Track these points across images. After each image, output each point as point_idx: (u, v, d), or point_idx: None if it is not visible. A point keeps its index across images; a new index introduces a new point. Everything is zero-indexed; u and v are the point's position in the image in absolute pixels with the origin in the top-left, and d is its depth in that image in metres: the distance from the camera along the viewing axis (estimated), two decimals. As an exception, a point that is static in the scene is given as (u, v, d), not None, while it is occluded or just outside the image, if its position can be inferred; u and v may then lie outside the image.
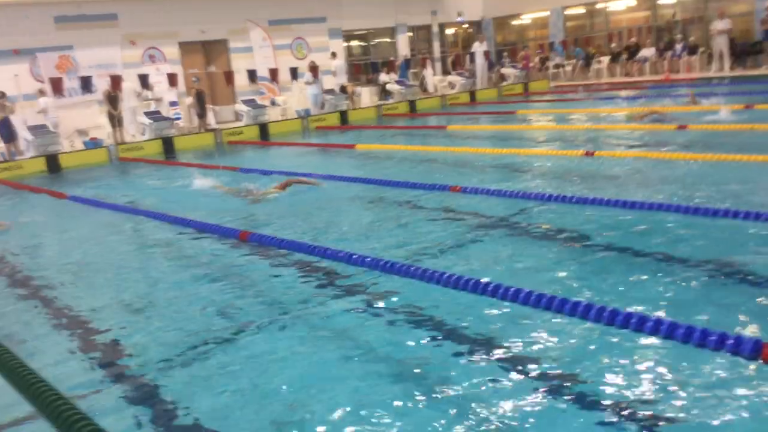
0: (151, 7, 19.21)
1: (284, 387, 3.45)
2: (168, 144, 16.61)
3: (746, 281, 4.19)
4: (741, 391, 2.96)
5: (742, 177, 6.99)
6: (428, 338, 3.83)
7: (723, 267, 4.46)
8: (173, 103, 19.01)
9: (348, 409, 3.13)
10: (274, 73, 20.12)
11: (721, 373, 3.10)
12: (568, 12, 26.07)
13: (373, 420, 3.00)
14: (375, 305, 4.47)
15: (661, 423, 2.80)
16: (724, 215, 5.39)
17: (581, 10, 26.01)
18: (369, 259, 5.09)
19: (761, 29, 19.99)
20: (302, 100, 19.98)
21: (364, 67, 23.77)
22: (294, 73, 20.21)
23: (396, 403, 3.13)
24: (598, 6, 25.25)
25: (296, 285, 5.10)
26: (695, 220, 5.46)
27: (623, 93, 18.61)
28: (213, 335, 4.22)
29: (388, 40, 25.70)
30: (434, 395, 3.19)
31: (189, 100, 18.84)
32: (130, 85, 17.52)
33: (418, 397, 3.18)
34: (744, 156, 7.61)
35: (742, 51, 20.55)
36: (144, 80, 17.93)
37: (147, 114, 17.29)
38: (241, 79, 19.93)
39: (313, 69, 19.68)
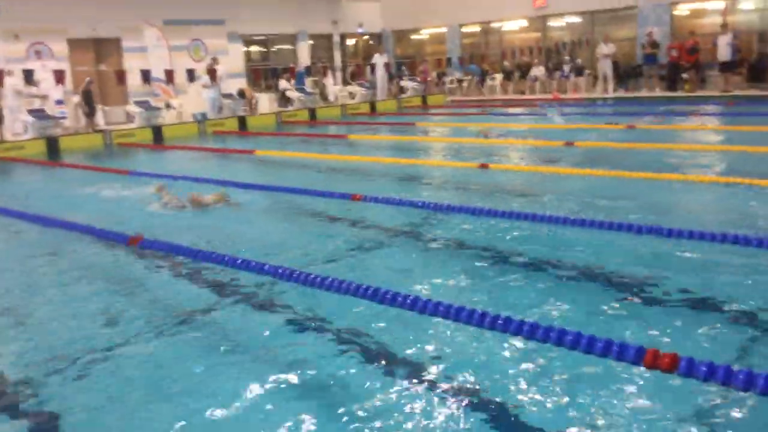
0: (37, 2, 18.12)
1: (175, 400, 3.32)
2: (52, 144, 15.71)
3: (628, 290, 4.43)
4: (627, 396, 3.11)
5: (621, 191, 7.43)
6: (327, 346, 3.80)
7: (603, 276, 4.71)
8: (59, 102, 18.00)
9: (240, 417, 3.05)
10: (169, 75, 19.49)
11: (609, 378, 3.26)
12: (465, 29, 26.89)
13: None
14: (273, 312, 4.39)
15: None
16: (601, 227, 5.71)
17: (477, 28, 26.89)
18: (267, 266, 5.01)
19: (642, 54, 21.39)
20: (199, 103, 19.46)
21: (263, 73, 23.45)
22: (191, 75, 19.67)
23: (295, 414, 3.08)
24: (493, 25, 26.20)
25: (190, 292, 4.94)
26: (579, 232, 5.74)
27: (515, 110, 19.35)
28: (95, 345, 4.00)
29: (289, 47, 25.53)
30: (336, 406, 3.16)
31: (76, 98, 17.92)
32: (12, 80, 16.45)
33: (317, 407, 3.14)
34: (624, 172, 8.11)
35: (625, 73, 21.91)
36: (28, 76, 16.88)
37: (30, 112, 16.28)
38: (134, 80, 19.15)
39: (211, 72, 19.24)
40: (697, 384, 3.04)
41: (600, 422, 2.91)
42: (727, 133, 11.93)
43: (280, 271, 4.89)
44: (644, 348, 3.25)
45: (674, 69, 20.32)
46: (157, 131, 17.16)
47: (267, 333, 4.10)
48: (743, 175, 7.46)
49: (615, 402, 3.06)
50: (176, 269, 5.49)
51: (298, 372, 3.50)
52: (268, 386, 3.37)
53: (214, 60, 19.88)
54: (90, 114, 17.45)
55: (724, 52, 19.03)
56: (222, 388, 3.38)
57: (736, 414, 2.93)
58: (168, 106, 19.37)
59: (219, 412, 3.14)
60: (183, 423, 3.08)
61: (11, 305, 4.95)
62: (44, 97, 17.36)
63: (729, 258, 4.92)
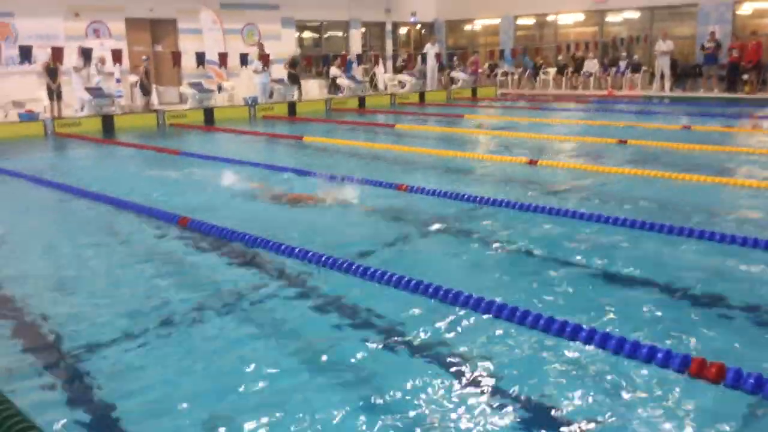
0: (98, -20, 18.56)
1: (220, 379, 3.37)
2: (108, 122, 16.09)
3: (685, 297, 4.31)
4: (668, 404, 3.04)
5: (677, 194, 7.25)
6: (369, 338, 3.81)
7: (656, 282, 4.59)
8: (117, 80, 18.42)
9: (280, 402, 3.09)
10: (223, 58, 19.73)
11: (651, 385, 3.19)
12: (519, 21, 26.50)
13: (308, 417, 2.97)
14: (315, 301, 4.42)
15: None
16: (652, 229, 5.58)
17: (531, 21, 26.47)
18: (311, 254, 5.05)
19: (702, 54, 20.77)
20: (251, 87, 19.68)
21: (314, 60, 23.57)
22: (244, 59, 19.87)
23: (334, 401, 3.10)
24: (548, 18, 25.75)
25: (236, 276, 5.01)
26: (629, 233, 5.62)
27: (569, 105, 19.03)
28: (146, 322, 4.09)
29: (341, 34, 25.58)
30: (374, 396, 3.17)
31: (133, 77, 18.30)
32: (74, 58, 16.90)
33: (355, 397, 3.15)
34: (679, 174, 7.91)
35: (683, 72, 21.32)
36: (87, 54, 17.30)
37: (88, 89, 16.70)
38: (188, 61, 19.46)
39: (263, 57, 19.41)
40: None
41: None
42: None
43: (324, 259, 4.93)
44: (689, 356, 3.17)
45: (734, 69, 19.68)
46: (209, 113, 17.42)
47: (308, 320, 4.14)
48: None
49: (657, 410, 2.99)
50: (223, 251, 5.57)
51: (336, 360, 3.52)
52: (311, 379, 3.40)
53: (261, 45, 20.03)
54: (146, 93, 17.81)
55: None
56: (262, 372, 3.43)
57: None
58: (220, 88, 19.63)
59: (256, 396, 3.19)
60: (223, 404, 3.13)
61: (74, 274, 5.10)
62: (110, 74, 17.74)
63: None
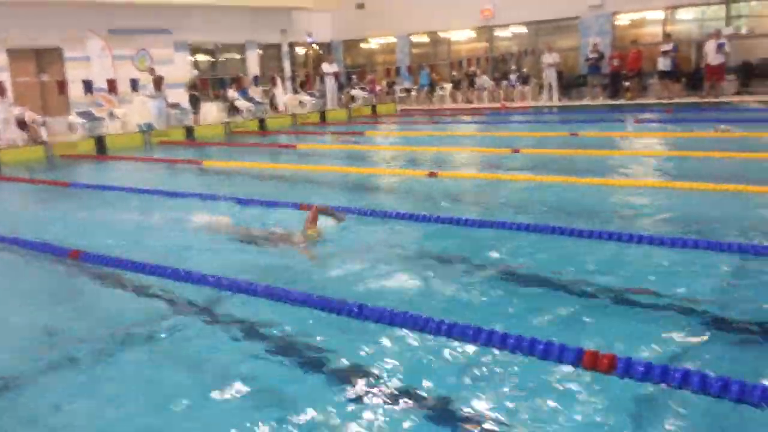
0: (-28, 9, 17.56)
1: (125, 417, 3.24)
2: (-9, 156, 15.19)
3: (574, 292, 4.51)
4: (567, 396, 3.17)
5: (567, 197, 7.60)
6: (281, 359, 3.76)
7: (550, 280, 4.79)
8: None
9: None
10: (112, 84, 19.07)
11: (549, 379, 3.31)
12: (414, 39, 27.12)
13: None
14: (222, 326, 4.33)
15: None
16: (544, 231, 5.82)
17: (425, 38, 27.15)
18: (212, 278, 4.95)
19: (586, 64, 21.93)
20: (144, 113, 19.11)
21: (211, 83, 23.18)
22: (135, 84, 19.28)
23: (250, 424, 3.04)
24: (441, 35, 26.50)
25: (137, 306, 4.83)
26: (524, 236, 5.83)
27: (465, 118, 19.60)
28: (38, 362, 3.88)
29: (238, 56, 25.31)
30: (290, 418, 3.13)
31: (17, 110, 17.38)
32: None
33: (275, 422, 3.10)
34: (568, 178, 8.31)
35: (569, 83, 22.44)
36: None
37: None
38: (76, 90, 18.69)
39: (156, 81, 18.92)
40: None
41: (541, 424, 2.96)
42: (666, 139, 12.31)
43: (225, 282, 4.84)
44: (583, 349, 3.32)
45: (616, 78, 20.90)
46: (100, 142, 16.77)
47: (212, 344, 4.04)
48: (683, 179, 7.70)
49: (556, 404, 3.11)
50: (120, 283, 5.36)
51: (246, 383, 3.46)
52: (216, 398, 3.32)
53: (152, 69, 19.52)
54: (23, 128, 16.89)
55: (664, 62, 19.67)
56: (170, 400, 3.32)
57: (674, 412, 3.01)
58: (112, 115, 18.96)
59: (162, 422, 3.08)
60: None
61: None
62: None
63: (665, 258, 5.08)
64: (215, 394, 3.35)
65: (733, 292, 4.38)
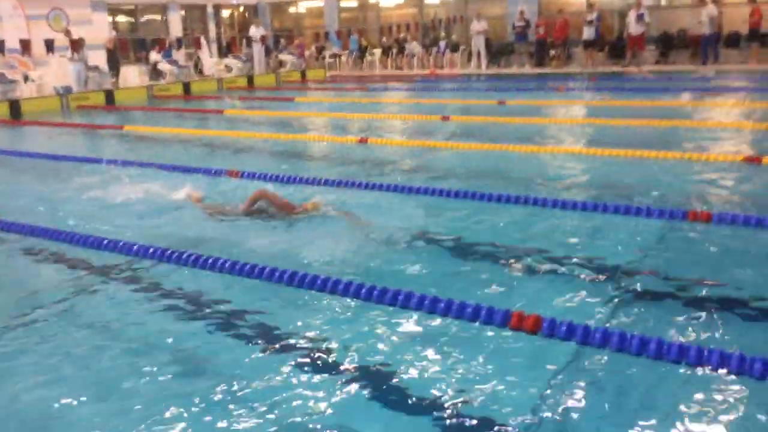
0: None
1: (45, 394, 3.11)
2: None
3: (504, 256, 4.60)
4: (489, 356, 3.24)
5: (495, 164, 7.72)
6: (208, 328, 3.69)
7: (477, 244, 4.87)
8: None
9: (121, 407, 2.92)
10: (26, 45, 18.05)
11: (478, 340, 3.39)
12: (343, 4, 26.74)
13: (157, 419, 2.82)
14: (144, 295, 4.21)
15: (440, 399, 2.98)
16: (473, 198, 5.91)
17: (355, 3, 26.81)
18: (136, 246, 4.81)
19: (513, 32, 22.19)
20: (61, 76, 18.19)
21: (132, 44, 22.27)
22: (50, 45, 18.30)
23: (178, 400, 2.97)
24: (371, 0, 26.22)
25: (53, 277, 4.64)
26: (451, 203, 5.90)
27: (395, 85, 19.56)
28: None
29: (159, 17, 24.37)
30: (220, 390, 3.08)
31: None
32: None
33: (203, 392, 3.04)
34: (496, 145, 8.44)
35: (497, 51, 22.68)
36: None
37: None
38: (-14, 51, 17.62)
39: (74, 43, 18.00)
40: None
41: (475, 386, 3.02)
42: (589, 108, 12.63)
43: (150, 251, 4.71)
44: (510, 311, 3.40)
45: (542, 46, 21.26)
46: (15, 106, 15.89)
47: (140, 316, 3.94)
48: (604, 146, 7.93)
49: (488, 365, 3.18)
50: (33, 251, 5.14)
51: (179, 355, 3.39)
52: (153, 378, 3.24)
53: (68, 31, 18.57)
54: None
55: (588, 31, 20.11)
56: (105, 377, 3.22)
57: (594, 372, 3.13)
58: (26, 78, 17.98)
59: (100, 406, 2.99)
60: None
61: None
62: None
63: (587, 222, 5.24)
64: (139, 362, 3.27)
65: (654, 255, 4.56)
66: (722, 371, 2.89)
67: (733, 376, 2.87)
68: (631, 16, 19.09)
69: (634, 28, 19.11)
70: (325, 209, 5.67)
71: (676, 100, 12.55)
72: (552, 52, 21.25)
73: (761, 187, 6.27)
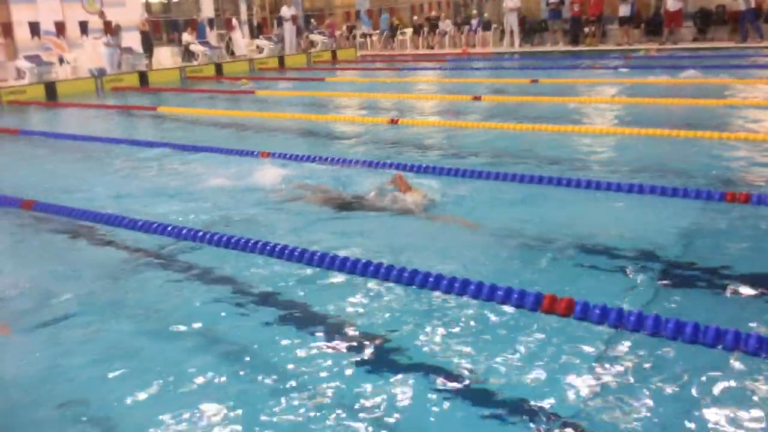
0: None
1: (88, 368, 3.19)
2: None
3: (537, 239, 4.56)
4: (525, 339, 3.22)
5: (530, 144, 7.63)
6: (244, 310, 3.74)
7: (510, 227, 4.83)
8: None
9: (164, 386, 2.98)
10: (60, 27, 18.27)
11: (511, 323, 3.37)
12: (374, -18, 26.55)
13: (193, 399, 2.88)
14: (184, 276, 4.27)
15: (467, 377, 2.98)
16: (506, 179, 5.84)
17: (386, -19, 26.62)
18: (171, 227, 4.87)
19: (546, 9, 21.80)
20: (95, 58, 18.42)
21: (165, 26, 22.42)
22: (84, 27, 18.50)
23: (214, 379, 3.02)
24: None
25: (97, 258, 4.74)
26: (486, 183, 5.85)
27: (426, 64, 19.39)
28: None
29: (192, -2, 24.49)
30: (256, 370, 3.12)
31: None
32: None
33: (237, 371, 3.08)
34: (530, 125, 8.33)
35: (531, 28, 22.32)
36: None
37: None
38: (23, 33, 17.86)
39: (109, 26, 18.18)
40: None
41: (510, 371, 3.01)
42: (626, 86, 12.39)
43: (185, 232, 4.77)
44: (542, 294, 3.38)
45: (577, 23, 20.85)
46: (51, 88, 16.16)
47: (180, 297, 4.00)
48: (639, 126, 7.78)
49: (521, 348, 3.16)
50: (77, 233, 5.24)
51: (208, 331, 3.44)
52: (190, 358, 3.30)
53: (102, 13, 18.73)
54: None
55: (624, 7, 19.67)
56: (141, 362, 3.29)
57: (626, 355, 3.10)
58: (62, 61, 18.24)
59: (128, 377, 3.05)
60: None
61: None
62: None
63: (625, 204, 5.16)
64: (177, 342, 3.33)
65: (692, 238, 4.48)
66: (763, 356, 2.83)
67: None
68: (669, -9, 18.62)
69: (671, 4, 18.63)
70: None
71: (712, 77, 12.20)
72: (586, 30, 20.83)
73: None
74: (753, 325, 3.17)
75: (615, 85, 12.50)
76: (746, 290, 3.59)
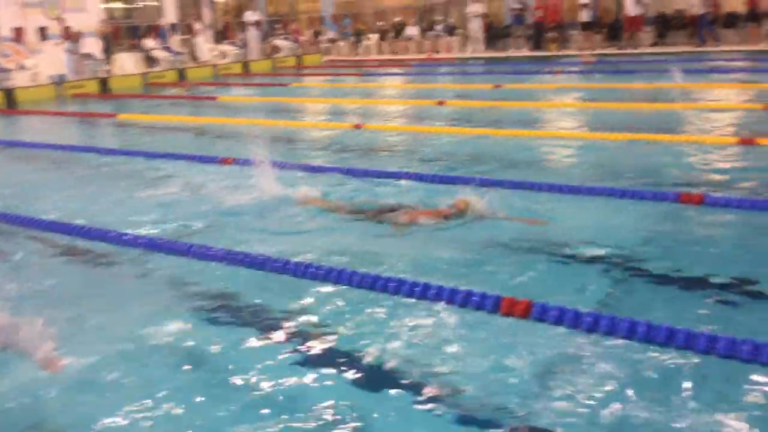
0: None
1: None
2: None
3: (490, 244, 4.60)
4: (484, 341, 3.25)
5: (490, 148, 7.70)
6: (201, 316, 3.70)
7: (466, 232, 4.86)
8: None
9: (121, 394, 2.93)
10: (19, 33, 17.91)
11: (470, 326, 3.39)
12: (339, -13, 26.59)
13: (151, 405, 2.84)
14: (140, 283, 4.21)
15: (426, 379, 2.99)
16: (467, 183, 5.86)
17: (351, -14, 26.67)
18: (127, 236, 4.80)
19: (510, 15, 22.06)
20: (56, 64, 18.08)
21: (126, 31, 22.12)
22: (43, 33, 18.16)
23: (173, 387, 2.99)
24: (367, -17, 26.06)
25: (56, 269, 4.65)
26: (445, 188, 5.88)
27: (391, 69, 19.46)
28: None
29: (154, 3, 24.20)
30: (212, 375, 3.09)
31: None
32: None
33: (194, 379, 3.06)
34: (491, 130, 8.41)
35: (494, 34, 22.54)
36: None
37: None
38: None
39: (68, 31, 17.87)
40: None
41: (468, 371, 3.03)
42: (586, 90, 12.58)
43: (142, 240, 4.71)
44: (500, 296, 3.40)
45: (540, 29, 21.13)
46: (9, 95, 15.82)
47: (135, 304, 3.94)
48: (599, 129, 7.92)
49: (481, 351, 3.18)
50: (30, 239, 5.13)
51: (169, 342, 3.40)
52: (148, 367, 3.25)
53: (62, 20, 18.40)
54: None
55: (585, 13, 20.00)
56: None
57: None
58: (22, 67, 17.87)
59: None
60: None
61: None
62: None
63: (585, 207, 5.24)
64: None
65: (647, 239, 4.55)
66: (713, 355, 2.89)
67: (721, 359, 2.87)
68: (628, -3, 19.00)
69: (631, 9, 19.00)
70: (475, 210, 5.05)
71: (671, 81, 12.45)
72: (549, 35, 21.12)
73: (756, 169, 6.25)
74: (704, 324, 3.24)
75: (575, 89, 12.69)
76: (699, 290, 3.67)
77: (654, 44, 19.90)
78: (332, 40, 25.45)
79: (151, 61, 20.72)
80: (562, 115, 10.00)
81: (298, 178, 6.45)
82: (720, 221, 4.82)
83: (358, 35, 25.01)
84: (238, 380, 3.01)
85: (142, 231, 5.02)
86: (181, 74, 19.49)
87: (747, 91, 11.04)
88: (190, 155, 7.74)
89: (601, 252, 4.26)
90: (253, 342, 3.36)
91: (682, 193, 5.14)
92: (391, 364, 3.08)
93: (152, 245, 4.68)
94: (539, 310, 3.30)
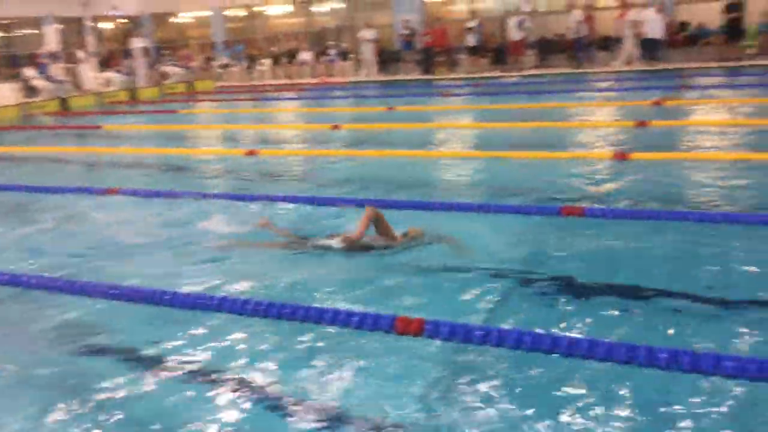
0: None
1: None
2: None
3: (383, 264, 4.64)
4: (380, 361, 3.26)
5: (386, 169, 7.81)
6: (82, 350, 3.51)
7: (364, 253, 4.88)
8: None
9: None
10: None
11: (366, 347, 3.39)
12: (228, 13, 26.31)
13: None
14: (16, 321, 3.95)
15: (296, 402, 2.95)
16: (360, 205, 5.91)
17: (242, 12, 26.45)
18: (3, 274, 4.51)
19: (400, 40, 22.57)
20: None
21: (4, 61, 20.93)
22: None
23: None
24: (256, 9, 25.94)
25: None
26: (346, 212, 5.91)
27: (285, 94, 19.42)
28: None
29: (35, 31, 23.04)
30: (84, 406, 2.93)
31: None
32: None
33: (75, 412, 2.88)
34: (385, 151, 8.54)
35: (386, 58, 22.97)
36: None
37: None
38: None
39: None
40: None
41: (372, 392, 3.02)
42: (475, 112, 13.03)
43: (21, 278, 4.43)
44: (395, 316, 3.43)
45: (428, 53, 21.72)
46: None
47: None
48: (487, 149, 8.20)
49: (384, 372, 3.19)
50: None
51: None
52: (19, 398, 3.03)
53: None
54: None
55: (471, 38, 20.76)
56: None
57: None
58: None
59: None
60: None
61: None
62: None
63: (478, 223, 5.39)
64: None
65: (532, 251, 4.73)
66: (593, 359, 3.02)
67: (618, 366, 2.97)
68: (512, 22, 19.87)
69: (515, 33, 19.89)
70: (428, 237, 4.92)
71: (551, 101, 13.08)
72: (437, 59, 21.74)
73: (630, 182, 6.65)
74: (588, 329, 3.40)
75: (464, 111, 13.12)
76: (584, 297, 3.84)
77: (536, 66, 20.89)
78: (225, 66, 25.10)
79: (31, 90, 19.68)
80: (451, 136, 10.30)
81: (191, 204, 6.28)
82: (600, 232, 5.08)
83: (252, 60, 24.81)
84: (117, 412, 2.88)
85: (15, 267, 4.72)
86: (64, 103, 18.62)
87: (620, 108, 11.74)
88: (73, 187, 7.38)
89: (489, 266, 4.40)
90: (135, 375, 3.23)
91: (564, 207, 5.40)
92: (286, 389, 3.04)
93: (28, 283, 4.41)
94: (432, 327, 3.36)
